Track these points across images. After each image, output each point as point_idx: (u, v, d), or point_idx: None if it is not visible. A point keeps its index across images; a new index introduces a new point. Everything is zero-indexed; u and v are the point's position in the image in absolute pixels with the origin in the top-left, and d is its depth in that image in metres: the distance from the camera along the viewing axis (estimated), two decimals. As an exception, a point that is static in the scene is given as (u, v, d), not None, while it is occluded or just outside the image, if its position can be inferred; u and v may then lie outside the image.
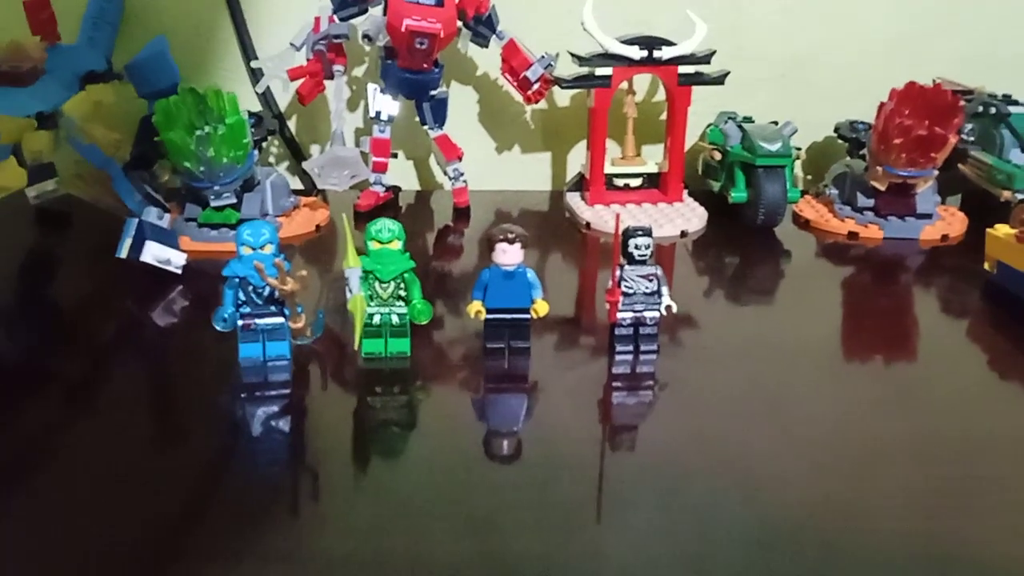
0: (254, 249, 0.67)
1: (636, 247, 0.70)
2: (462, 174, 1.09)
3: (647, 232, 0.70)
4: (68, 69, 0.94)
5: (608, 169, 1.07)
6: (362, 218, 1.05)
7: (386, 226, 0.69)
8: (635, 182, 1.10)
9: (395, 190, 1.13)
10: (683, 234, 1.02)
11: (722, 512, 0.54)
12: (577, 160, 1.20)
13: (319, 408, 0.67)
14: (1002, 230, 0.85)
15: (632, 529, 0.53)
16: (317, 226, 1.02)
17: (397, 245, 0.69)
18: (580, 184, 1.11)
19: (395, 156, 1.09)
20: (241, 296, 0.68)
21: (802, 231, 1.05)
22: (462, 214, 1.09)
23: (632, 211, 1.06)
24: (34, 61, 0.90)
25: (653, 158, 1.11)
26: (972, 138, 1.07)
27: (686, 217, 1.04)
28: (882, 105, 0.98)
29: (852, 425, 0.64)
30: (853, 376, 0.73)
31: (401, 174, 1.18)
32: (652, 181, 1.10)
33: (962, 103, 0.97)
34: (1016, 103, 1.07)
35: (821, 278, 0.94)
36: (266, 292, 0.67)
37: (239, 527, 0.53)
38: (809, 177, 1.22)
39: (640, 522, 0.53)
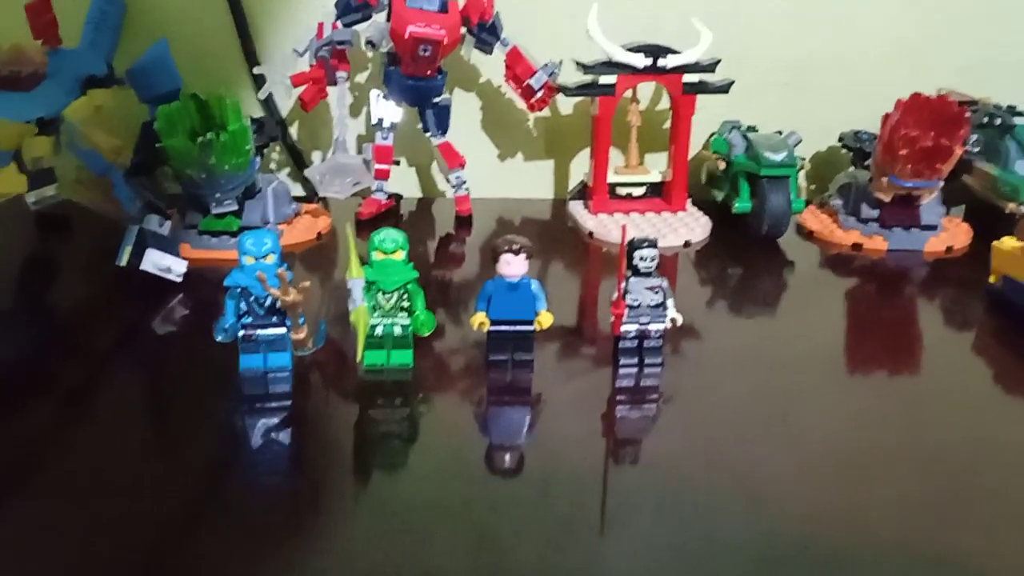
0: (257, 259, 0.66)
1: (642, 259, 0.69)
2: (464, 182, 1.08)
3: (653, 244, 0.69)
4: (69, 73, 0.94)
5: (611, 178, 1.07)
6: (363, 226, 1.04)
7: (390, 236, 0.68)
8: (638, 191, 1.09)
9: (397, 198, 1.12)
10: (687, 244, 1.01)
11: (726, 524, 0.54)
12: (580, 168, 1.19)
13: (320, 420, 0.66)
14: (1008, 243, 0.84)
15: (635, 542, 0.52)
16: (319, 234, 1.02)
17: (401, 256, 0.69)
18: (583, 193, 1.10)
19: (397, 163, 1.09)
20: (242, 307, 0.67)
21: (806, 242, 1.04)
22: (464, 222, 1.08)
23: (636, 220, 1.05)
24: (35, 66, 0.90)
25: (657, 167, 1.10)
26: (977, 149, 1.07)
27: (690, 227, 1.03)
28: (887, 116, 0.98)
29: (857, 437, 0.64)
30: (857, 388, 0.73)
31: (403, 181, 1.18)
32: (656, 190, 1.09)
33: (967, 114, 0.97)
34: (1021, 114, 1.06)
35: (825, 289, 0.93)
36: (268, 303, 0.67)
37: (237, 540, 0.52)
38: (813, 187, 1.21)
39: (643, 535, 0.53)
